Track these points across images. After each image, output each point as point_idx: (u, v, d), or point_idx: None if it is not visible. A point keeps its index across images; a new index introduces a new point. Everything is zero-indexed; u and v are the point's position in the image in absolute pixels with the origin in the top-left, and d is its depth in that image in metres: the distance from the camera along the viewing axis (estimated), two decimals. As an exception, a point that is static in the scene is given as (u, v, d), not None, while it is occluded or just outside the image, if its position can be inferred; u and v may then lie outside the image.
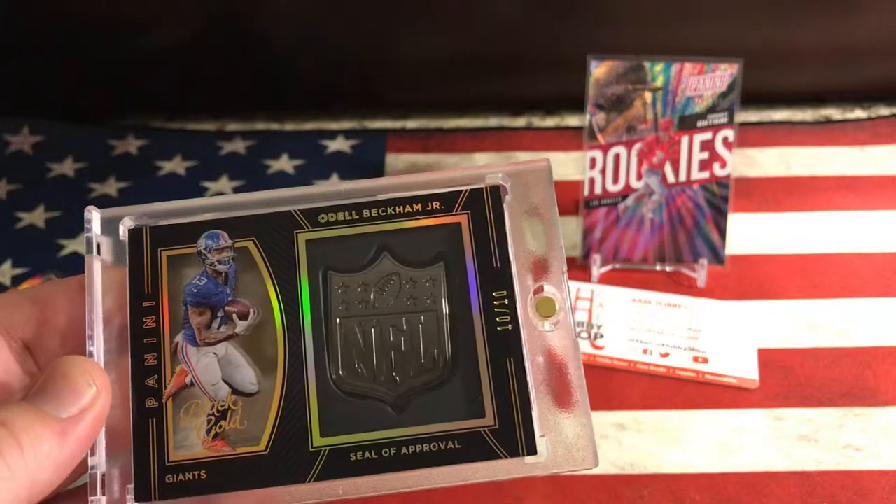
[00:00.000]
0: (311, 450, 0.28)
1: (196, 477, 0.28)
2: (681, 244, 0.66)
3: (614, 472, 0.55)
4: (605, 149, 0.65)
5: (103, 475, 0.28)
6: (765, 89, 0.81)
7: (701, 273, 0.65)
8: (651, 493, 0.54)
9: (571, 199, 0.68)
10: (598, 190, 0.66)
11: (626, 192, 0.66)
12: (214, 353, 0.29)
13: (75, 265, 0.68)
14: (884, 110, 0.83)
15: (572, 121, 0.83)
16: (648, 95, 0.63)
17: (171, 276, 0.30)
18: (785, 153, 0.78)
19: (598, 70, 0.63)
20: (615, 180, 0.65)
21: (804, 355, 0.61)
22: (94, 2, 0.76)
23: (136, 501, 0.28)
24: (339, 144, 0.80)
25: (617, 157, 0.65)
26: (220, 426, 0.28)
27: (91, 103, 0.84)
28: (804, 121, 0.82)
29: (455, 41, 0.79)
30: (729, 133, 0.63)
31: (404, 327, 0.30)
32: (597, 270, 0.66)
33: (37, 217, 0.73)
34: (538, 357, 0.29)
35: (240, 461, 0.28)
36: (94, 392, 0.26)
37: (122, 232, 0.30)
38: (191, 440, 0.28)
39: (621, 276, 0.66)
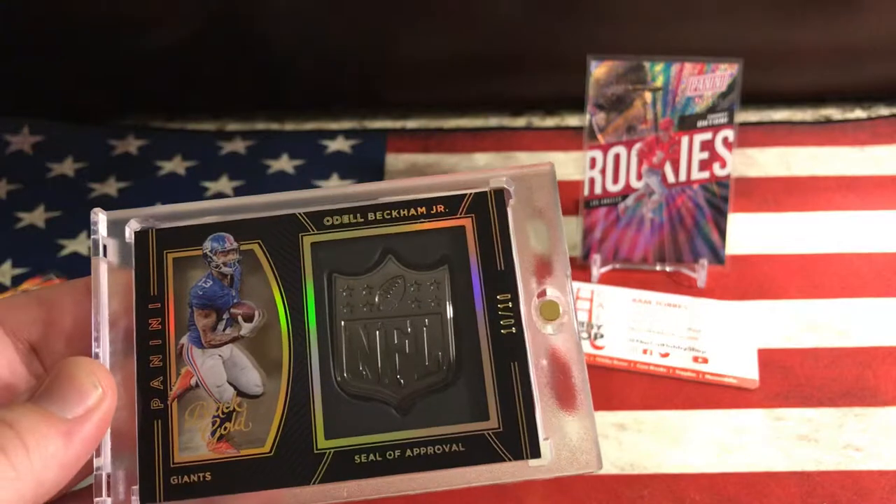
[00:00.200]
0: (315, 452, 0.28)
1: (201, 478, 0.28)
2: (681, 244, 0.66)
3: (614, 472, 0.55)
4: (605, 149, 0.65)
5: (108, 476, 0.28)
6: (765, 89, 0.81)
7: (701, 273, 0.65)
8: (651, 493, 0.54)
9: (571, 199, 0.68)
10: (598, 190, 0.66)
11: (626, 192, 0.66)
12: (220, 355, 0.29)
13: (75, 265, 0.68)
14: (884, 110, 0.83)
15: (572, 121, 0.83)
16: (648, 95, 0.63)
17: (176, 278, 0.30)
18: (785, 153, 0.78)
19: (598, 70, 0.63)
20: (615, 180, 0.66)
21: (804, 355, 0.61)
22: (94, 2, 0.76)
23: (141, 503, 0.28)
24: (339, 144, 0.80)
25: (617, 157, 0.65)
26: (225, 428, 0.29)
27: (91, 103, 0.84)
28: (804, 121, 0.82)
29: (455, 41, 0.79)
30: (729, 133, 0.64)
31: (409, 330, 0.30)
32: (597, 270, 0.66)
33: (37, 217, 0.73)
34: (542, 360, 0.29)
35: (244, 463, 0.28)
36: (99, 393, 0.26)
37: (128, 234, 0.30)
38: (196, 442, 0.28)
39: (621, 276, 0.67)
